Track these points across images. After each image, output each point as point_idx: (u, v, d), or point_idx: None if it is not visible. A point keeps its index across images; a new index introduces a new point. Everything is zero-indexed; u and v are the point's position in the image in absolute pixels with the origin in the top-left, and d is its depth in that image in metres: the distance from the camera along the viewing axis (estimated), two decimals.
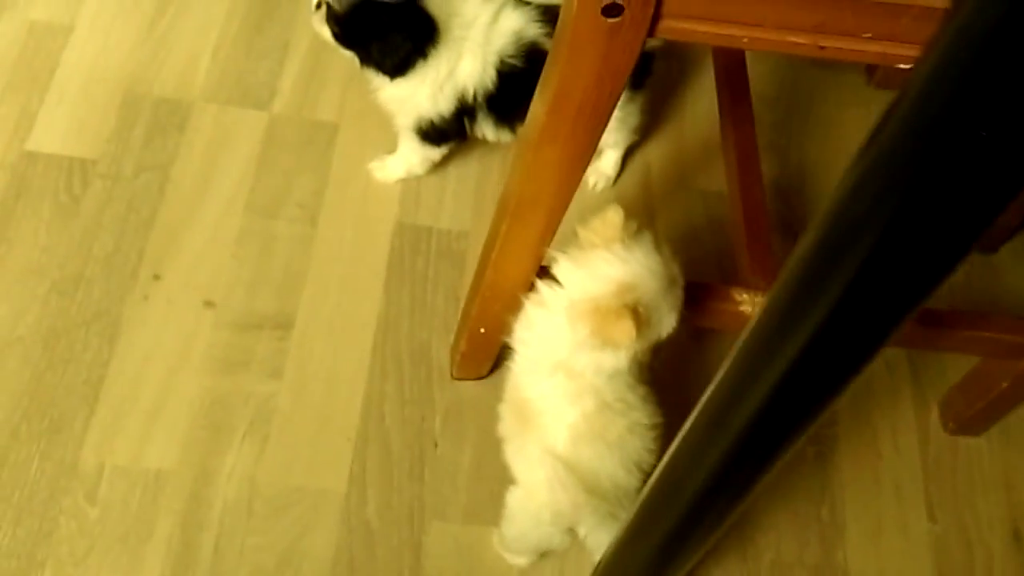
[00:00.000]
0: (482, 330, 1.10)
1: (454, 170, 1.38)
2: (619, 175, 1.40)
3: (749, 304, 1.05)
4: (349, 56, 1.20)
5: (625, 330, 0.85)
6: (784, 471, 1.19)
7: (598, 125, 0.79)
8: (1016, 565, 1.18)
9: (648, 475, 0.92)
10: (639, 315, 0.86)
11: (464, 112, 1.21)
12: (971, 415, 1.22)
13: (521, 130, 0.88)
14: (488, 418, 1.19)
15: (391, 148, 1.35)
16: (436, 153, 1.31)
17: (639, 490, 0.94)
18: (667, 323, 0.92)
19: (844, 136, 1.47)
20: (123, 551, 1.07)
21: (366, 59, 1.17)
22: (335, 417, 1.18)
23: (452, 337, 1.24)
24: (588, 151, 0.83)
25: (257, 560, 1.08)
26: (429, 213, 1.35)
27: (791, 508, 1.19)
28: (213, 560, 1.08)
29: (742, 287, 1.06)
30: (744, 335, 0.56)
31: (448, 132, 1.25)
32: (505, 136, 1.26)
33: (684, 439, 0.66)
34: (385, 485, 1.14)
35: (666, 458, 0.71)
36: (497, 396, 1.19)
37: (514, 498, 1.00)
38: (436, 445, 1.17)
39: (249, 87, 1.43)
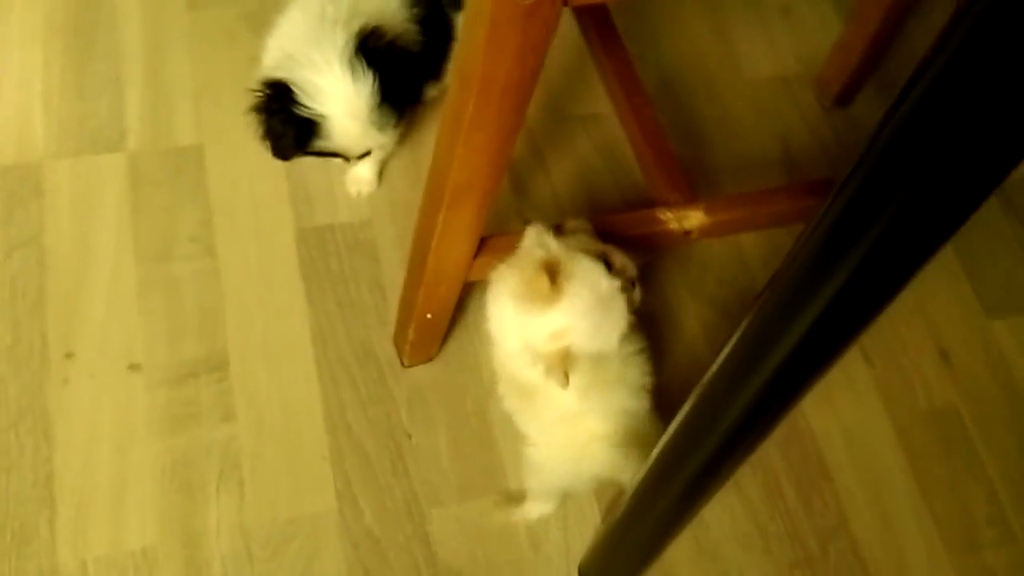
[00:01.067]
0: (429, 316, 1.10)
1: (335, 163, 1.35)
2: None
3: (675, 220, 1.09)
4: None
5: (558, 380, 0.93)
6: None
7: (523, 102, 0.80)
8: (950, 383, 1.30)
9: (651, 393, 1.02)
10: (571, 357, 0.93)
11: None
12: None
13: (443, 118, 0.86)
14: (452, 395, 1.21)
15: (265, 155, 1.30)
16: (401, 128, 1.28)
17: (650, 410, 0.99)
18: (614, 336, 0.96)
19: (691, 30, 1.52)
20: None
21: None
22: (302, 440, 1.16)
23: (390, 328, 1.23)
24: (516, 128, 0.83)
25: None
26: (325, 211, 1.32)
27: None
28: None
29: (663, 207, 1.10)
30: (785, 269, 0.59)
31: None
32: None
33: (717, 374, 0.69)
34: (374, 490, 1.14)
35: (695, 397, 0.74)
36: (453, 369, 1.22)
37: (534, 454, 1.05)
38: (410, 436, 1.18)
39: (95, 131, 1.34)
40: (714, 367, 0.70)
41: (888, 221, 0.52)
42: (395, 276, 1.28)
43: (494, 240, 1.02)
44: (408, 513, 1.13)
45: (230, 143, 1.34)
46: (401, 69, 1.15)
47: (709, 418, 0.73)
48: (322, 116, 1.13)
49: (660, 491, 0.85)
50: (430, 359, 1.22)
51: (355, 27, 1.13)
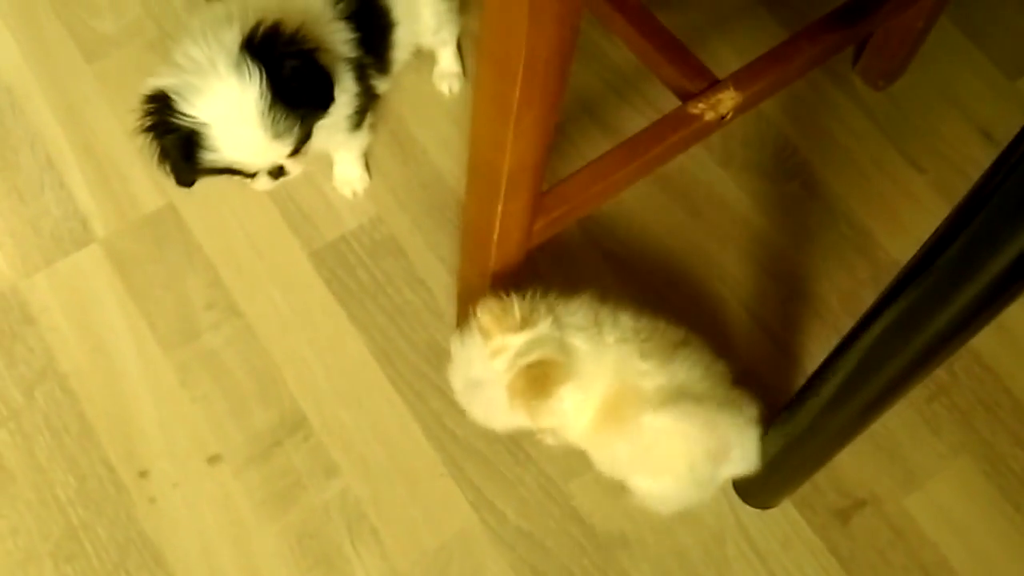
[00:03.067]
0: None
1: (318, 174, 1.24)
2: (464, 64, 1.29)
3: (710, 109, 1.01)
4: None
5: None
6: (791, 216, 1.21)
7: (567, 67, 0.71)
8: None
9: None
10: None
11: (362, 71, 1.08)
12: (895, 66, 1.25)
13: (478, 110, 0.77)
14: None
15: (237, 188, 1.19)
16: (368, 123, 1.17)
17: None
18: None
19: None
20: None
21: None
22: (414, 465, 1.10)
23: (448, 318, 1.17)
24: (562, 95, 0.74)
25: None
26: (329, 225, 1.23)
27: (819, 245, 1.21)
28: None
29: (692, 100, 1.02)
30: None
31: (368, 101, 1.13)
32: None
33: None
34: (505, 487, 1.09)
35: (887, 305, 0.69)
36: None
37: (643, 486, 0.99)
38: None
39: (55, 232, 1.22)
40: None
41: None
42: (428, 263, 1.20)
43: (548, 198, 0.94)
44: (549, 496, 1.09)
45: (202, 193, 1.22)
46: (301, 66, 0.97)
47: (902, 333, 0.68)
48: (204, 124, 0.95)
49: (835, 409, 0.81)
50: None
51: (250, 22, 0.96)
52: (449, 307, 1.17)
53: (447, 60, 1.27)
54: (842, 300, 1.18)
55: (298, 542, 1.07)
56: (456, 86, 1.28)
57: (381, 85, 1.15)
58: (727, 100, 1.02)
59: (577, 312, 0.93)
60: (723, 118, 1.03)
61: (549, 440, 1.06)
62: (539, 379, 0.88)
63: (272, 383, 1.14)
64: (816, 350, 1.14)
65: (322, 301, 1.18)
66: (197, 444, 1.11)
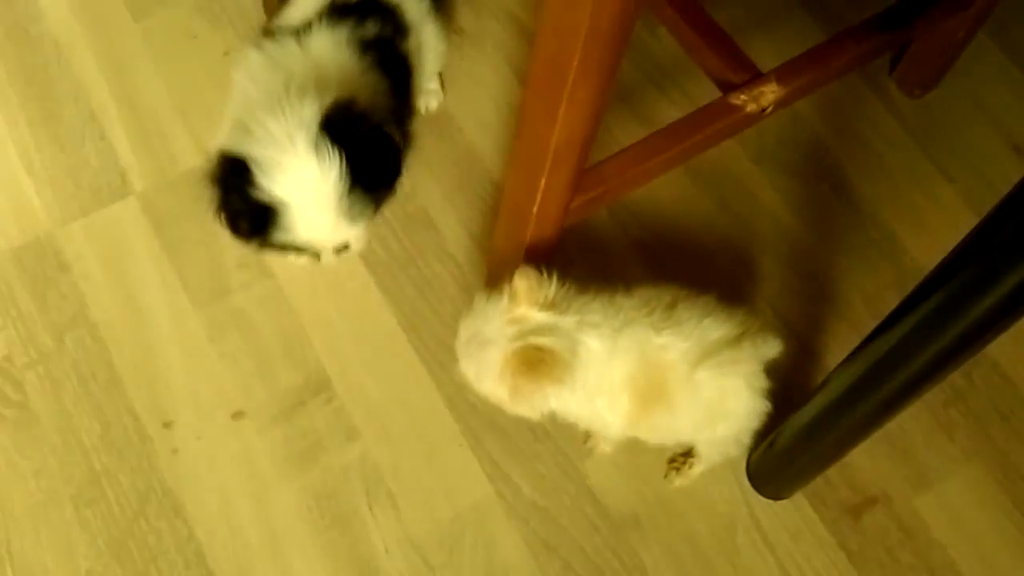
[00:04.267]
0: None
1: None
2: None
3: (751, 101, 1.03)
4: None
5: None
6: (819, 216, 1.22)
7: (624, 43, 0.73)
8: None
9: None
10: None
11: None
12: (932, 75, 1.27)
13: (533, 81, 0.79)
14: None
15: None
16: None
17: None
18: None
19: None
20: None
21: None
22: (434, 434, 1.12)
23: (471, 295, 1.17)
24: (615, 72, 0.76)
25: None
26: None
27: (845, 246, 1.23)
28: None
29: (733, 91, 1.03)
30: None
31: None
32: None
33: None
34: (523, 461, 1.11)
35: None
36: None
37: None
38: None
39: (93, 183, 1.24)
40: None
41: None
42: (458, 238, 1.22)
43: (588, 176, 0.95)
44: (564, 474, 1.10)
45: None
46: (376, 146, 0.96)
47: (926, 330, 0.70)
48: (282, 203, 0.93)
49: (852, 405, 0.83)
50: None
51: (326, 99, 0.94)
52: (477, 282, 1.18)
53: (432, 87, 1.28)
54: (866, 302, 1.19)
55: (316, 501, 1.09)
56: (434, 104, 1.28)
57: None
58: (769, 93, 1.03)
59: (599, 310, 0.93)
60: (763, 111, 1.04)
61: (604, 447, 1.09)
62: (536, 364, 0.87)
63: (299, 345, 1.15)
64: (837, 349, 1.15)
65: (352, 269, 1.20)
66: (222, 399, 1.13)
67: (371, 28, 1.04)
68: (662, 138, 1.01)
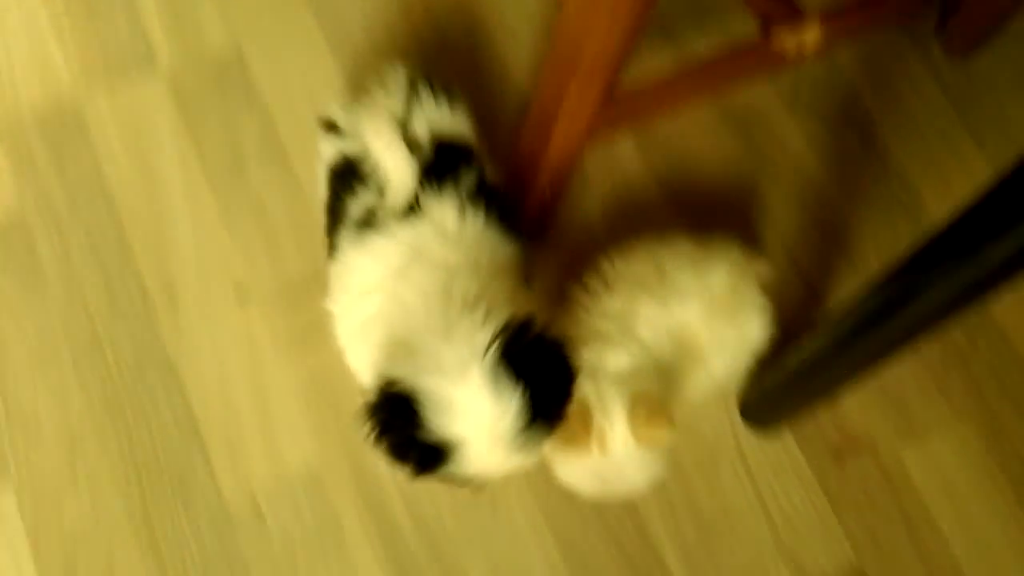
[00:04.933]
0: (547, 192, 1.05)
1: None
2: None
3: (792, 38, 1.02)
4: None
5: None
6: (845, 166, 1.21)
7: None
8: None
9: None
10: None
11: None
12: (976, 38, 1.25)
13: None
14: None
15: (311, 36, 1.20)
16: None
17: None
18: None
19: None
20: (327, 558, 1.04)
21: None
22: None
23: None
24: None
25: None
26: None
27: (867, 199, 1.22)
28: (414, 524, 1.06)
29: (776, 27, 1.02)
30: None
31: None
32: None
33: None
34: None
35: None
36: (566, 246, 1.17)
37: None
38: None
39: (120, 52, 1.23)
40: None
41: None
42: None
43: (618, 96, 0.94)
44: None
45: (266, 36, 1.24)
46: (556, 372, 0.83)
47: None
48: (454, 443, 0.80)
49: (849, 346, 0.83)
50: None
51: (500, 316, 0.81)
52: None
53: None
54: (879, 255, 1.19)
55: (311, 381, 1.10)
56: None
57: None
58: (811, 33, 1.01)
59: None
60: (803, 52, 1.03)
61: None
62: (577, 433, 0.89)
63: (310, 237, 1.16)
64: (844, 297, 1.15)
65: None
66: (228, 278, 1.14)
67: (469, 177, 0.92)
68: (698, 69, 1.00)
